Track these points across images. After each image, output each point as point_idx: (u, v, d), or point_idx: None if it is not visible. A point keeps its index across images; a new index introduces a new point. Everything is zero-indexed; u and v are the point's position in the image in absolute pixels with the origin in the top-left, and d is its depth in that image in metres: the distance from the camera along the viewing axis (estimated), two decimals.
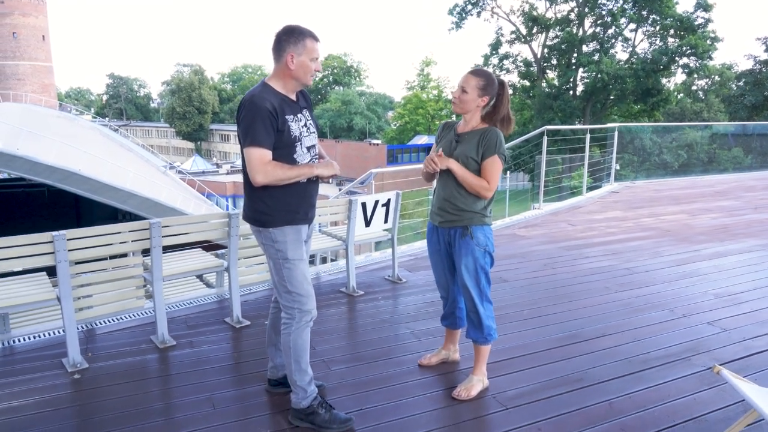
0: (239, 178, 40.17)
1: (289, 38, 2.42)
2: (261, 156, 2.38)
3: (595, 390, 2.96)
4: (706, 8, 28.62)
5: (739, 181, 11.64)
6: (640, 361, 3.30)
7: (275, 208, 2.49)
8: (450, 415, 2.73)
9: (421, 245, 5.98)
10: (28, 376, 3.13)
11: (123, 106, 78.68)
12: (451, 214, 2.83)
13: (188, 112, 62.21)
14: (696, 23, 28.83)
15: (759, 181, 11.43)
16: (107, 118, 62.75)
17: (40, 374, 3.14)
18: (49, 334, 3.71)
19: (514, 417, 2.71)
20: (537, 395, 2.90)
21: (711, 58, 29.99)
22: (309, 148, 2.56)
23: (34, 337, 3.67)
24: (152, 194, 19.77)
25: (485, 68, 3.61)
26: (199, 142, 66.81)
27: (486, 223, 2.84)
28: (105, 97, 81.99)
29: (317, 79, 59.25)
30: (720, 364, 2.53)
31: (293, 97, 2.53)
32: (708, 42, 28.57)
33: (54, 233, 3.09)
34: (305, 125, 2.54)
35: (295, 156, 2.49)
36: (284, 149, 2.45)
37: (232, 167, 49.17)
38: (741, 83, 33.18)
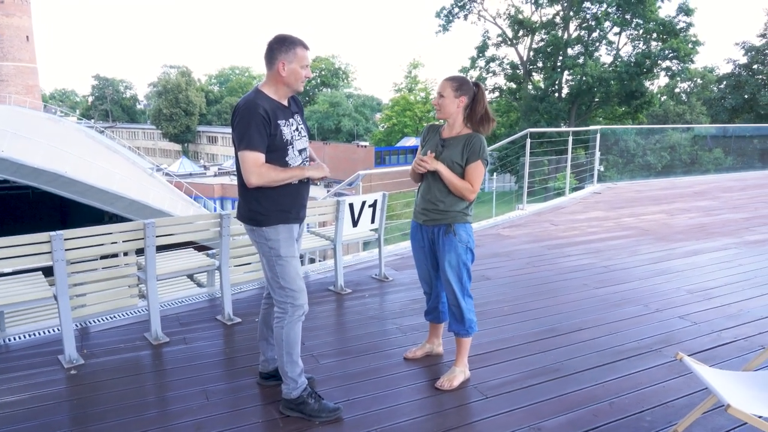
0: (227, 180, 40.32)
1: (281, 47, 2.55)
2: (255, 159, 2.51)
3: (570, 379, 3.13)
4: (688, 13, 29.23)
5: (718, 182, 11.95)
6: (614, 352, 3.47)
7: (269, 208, 2.63)
8: (433, 404, 2.88)
9: (407, 245, 6.12)
10: (25, 372, 3.22)
11: (109, 107, 77.85)
12: (436, 213, 2.99)
13: (175, 114, 61.81)
14: (678, 27, 29.43)
15: (737, 182, 11.75)
16: (93, 120, 62.19)
17: (37, 370, 3.24)
18: (43, 333, 3.80)
19: (493, 405, 2.86)
20: (516, 385, 3.06)
21: (693, 62, 30.69)
22: (300, 151, 2.70)
23: (29, 336, 3.75)
24: (139, 196, 19.68)
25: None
26: (186, 144, 66.42)
27: (468, 221, 3.01)
28: (90, 99, 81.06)
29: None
30: (689, 355, 2.69)
31: (285, 102, 2.66)
32: (690, 46, 29.19)
33: (51, 233, 3.18)
34: (297, 129, 2.68)
35: (287, 159, 2.63)
36: (277, 152, 2.58)
37: (219, 169, 48.91)
38: (722, 86, 33.89)
